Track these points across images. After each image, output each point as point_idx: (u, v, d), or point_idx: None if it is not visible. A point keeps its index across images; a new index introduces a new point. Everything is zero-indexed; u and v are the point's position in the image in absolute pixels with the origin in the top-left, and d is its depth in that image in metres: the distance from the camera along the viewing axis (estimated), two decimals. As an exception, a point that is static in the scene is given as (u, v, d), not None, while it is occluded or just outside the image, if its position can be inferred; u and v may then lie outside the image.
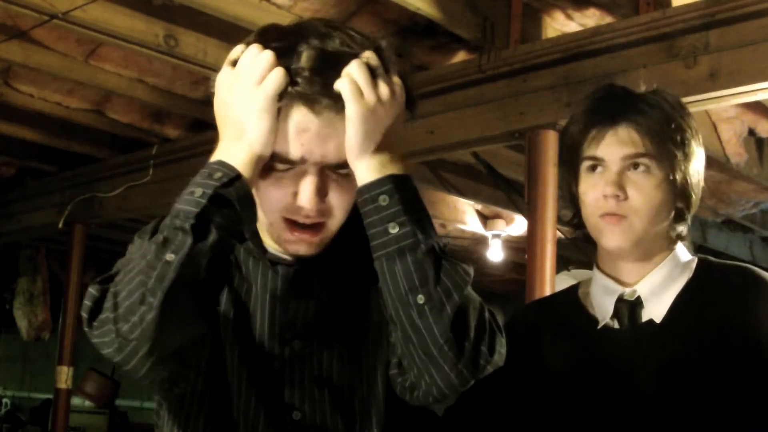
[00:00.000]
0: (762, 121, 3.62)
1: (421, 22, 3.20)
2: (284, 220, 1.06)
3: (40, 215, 5.19)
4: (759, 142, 3.92)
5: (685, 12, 2.67)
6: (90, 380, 6.97)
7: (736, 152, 3.65)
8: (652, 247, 1.34)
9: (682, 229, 1.36)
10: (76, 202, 4.85)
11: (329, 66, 1.01)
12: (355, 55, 1.02)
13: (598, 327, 1.35)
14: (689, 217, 1.37)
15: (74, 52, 3.51)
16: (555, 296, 1.65)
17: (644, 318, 1.33)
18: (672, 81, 2.68)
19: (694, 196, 1.35)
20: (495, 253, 5.67)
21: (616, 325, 1.34)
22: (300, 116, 1.01)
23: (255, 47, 1.03)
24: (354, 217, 1.17)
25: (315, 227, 1.07)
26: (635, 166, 1.30)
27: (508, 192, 4.12)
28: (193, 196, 0.97)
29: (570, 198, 1.42)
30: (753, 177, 3.99)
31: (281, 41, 1.03)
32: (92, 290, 1.00)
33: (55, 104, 4.05)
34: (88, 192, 4.81)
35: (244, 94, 1.01)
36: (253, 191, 1.03)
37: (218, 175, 0.99)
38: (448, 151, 3.56)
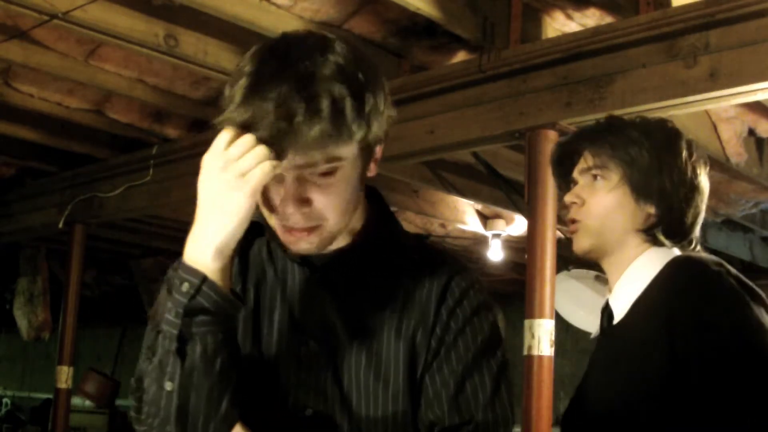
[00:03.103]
0: (762, 121, 3.62)
1: (421, 22, 3.20)
2: (279, 224, 1.09)
3: (40, 215, 5.18)
4: (759, 142, 3.92)
5: (685, 12, 2.67)
6: (90, 380, 6.99)
7: (736, 152, 3.65)
8: (619, 251, 1.40)
9: (661, 236, 1.39)
10: (76, 202, 4.85)
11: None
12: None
13: (592, 336, 1.46)
14: (671, 223, 1.39)
15: (74, 52, 3.51)
16: None
17: (614, 323, 1.40)
18: (672, 81, 2.68)
19: (671, 203, 1.38)
20: (495, 253, 5.68)
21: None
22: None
23: (246, 140, 1.02)
24: (376, 220, 1.19)
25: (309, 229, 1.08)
26: (593, 177, 1.41)
27: (508, 192, 4.12)
28: (170, 315, 1.02)
29: None
30: (753, 177, 3.99)
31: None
32: (132, 413, 1.10)
33: (55, 104, 4.05)
34: (88, 192, 4.81)
35: (228, 184, 1.02)
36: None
37: (185, 287, 1.02)
38: (448, 151, 3.56)
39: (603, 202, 1.39)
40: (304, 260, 1.15)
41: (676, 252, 1.39)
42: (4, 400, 9.65)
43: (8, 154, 4.88)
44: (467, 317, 1.14)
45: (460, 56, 3.41)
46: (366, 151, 1.08)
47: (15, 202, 5.42)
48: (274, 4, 3.01)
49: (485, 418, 1.11)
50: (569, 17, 3.19)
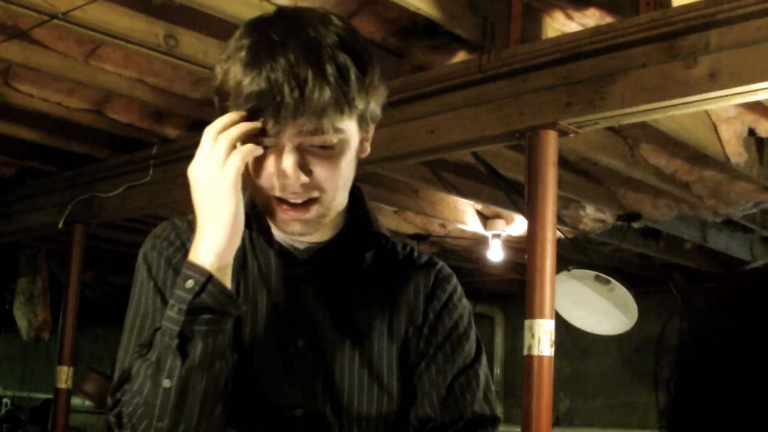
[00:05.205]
0: (762, 121, 3.62)
1: (421, 22, 3.20)
2: (275, 199, 1.08)
3: (40, 215, 5.18)
4: (759, 142, 3.91)
5: (685, 12, 2.67)
6: (90, 380, 6.97)
7: (736, 152, 3.64)
8: None
9: None
10: (76, 202, 4.84)
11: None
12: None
13: None
14: None
15: (74, 52, 3.51)
16: None
17: None
18: (672, 81, 2.68)
19: None
20: (495, 253, 5.67)
21: None
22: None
23: (223, 122, 1.06)
24: (361, 215, 1.19)
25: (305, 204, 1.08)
26: None
27: (508, 192, 4.12)
28: (173, 311, 1.01)
29: None
30: (753, 177, 3.99)
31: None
32: (111, 417, 1.06)
33: (55, 104, 4.05)
34: (88, 192, 4.80)
35: (210, 177, 1.03)
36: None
37: (190, 284, 1.01)
38: (448, 151, 3.56)
39: None
40: (288, 255, 1.14)
41: None
42: (4, 400, 9.65)
43: (8, 154, 4.87)
44: (454, 320, 1.18)
45: (460, 56, 3.41)
46: (363, 127, 1.08)
47: (15, 202, 5.41)
48: (274, 4, 3.01)
49: (475, 415, 1.15)
50: (569, 17, 3.19)
